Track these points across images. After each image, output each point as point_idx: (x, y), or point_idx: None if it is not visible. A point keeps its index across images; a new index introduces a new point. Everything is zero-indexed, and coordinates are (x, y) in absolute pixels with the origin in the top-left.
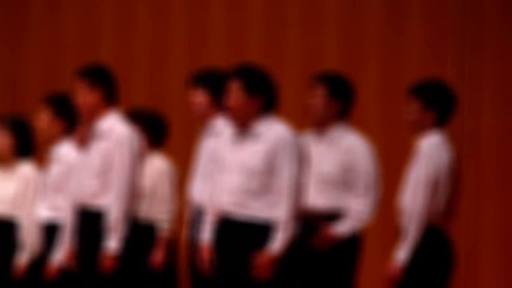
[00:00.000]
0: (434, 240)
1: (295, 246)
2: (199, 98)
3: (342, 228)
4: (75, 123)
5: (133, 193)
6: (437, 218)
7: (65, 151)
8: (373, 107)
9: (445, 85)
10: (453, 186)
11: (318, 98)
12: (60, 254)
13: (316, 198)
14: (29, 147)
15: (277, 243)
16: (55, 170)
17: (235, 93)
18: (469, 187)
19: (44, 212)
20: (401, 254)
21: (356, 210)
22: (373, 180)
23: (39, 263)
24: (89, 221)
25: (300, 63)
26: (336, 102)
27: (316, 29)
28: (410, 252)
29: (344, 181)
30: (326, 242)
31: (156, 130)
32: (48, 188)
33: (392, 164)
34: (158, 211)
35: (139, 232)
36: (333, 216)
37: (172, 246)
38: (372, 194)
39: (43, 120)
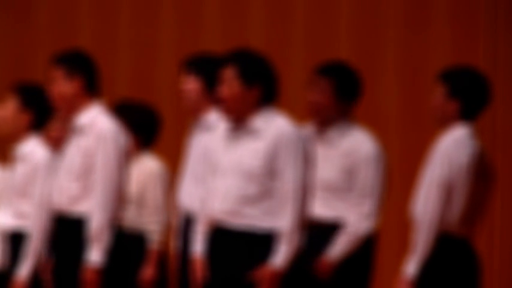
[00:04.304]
0: (450, 251)
1: (300, 259)
2: (190, 85)
3: (334, 251)
4: (44, 118)
5: (119, 198)
6: (453, 225)
7: (30, 149)
8: (391, 102)
9: (477, 73)
10: (480, 188)
11: (322, 94)
12: (27, 268)
13: (318, 207)
14: None
15: (281, 256)
16: (19, 171)
17: (229, 81)
18: (502, 188)
19: (7, 220)
20: (410, 267)
21: (350, 225)
22: (372, 185)
23: (2, 278)
24: (68, 230)
25: (307, 50)
26: (343, 99)
27: (326, 10)
28: (419, 265)
29: (347, 189)
30: (325, 270)
31: (145, 126)
32: (11, 191)
33: (413, 166)
34: (149, 221)
35: (126, 243)
36: (337, 227)
37: (162, 259)
38: (370, 202)
39: (8, 109)
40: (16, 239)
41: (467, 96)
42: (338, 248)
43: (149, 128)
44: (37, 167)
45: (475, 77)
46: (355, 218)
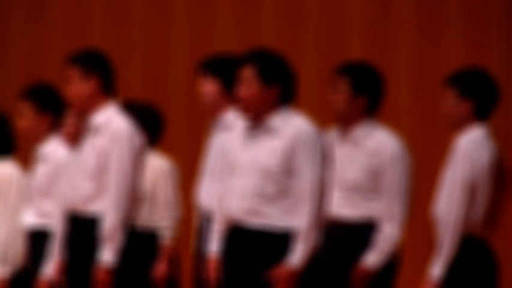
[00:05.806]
0: (474, 252)
1: (318, 259)
2: (209, 87)
3: (372, 259)
4: (61, 117)
5: (133, 198)
6: (476, 226)
7: (52, 149)
8: (404, 102)
9: (486, 73)
10: (497, 189)
11: (341, 93)
12: (51, 267)
13: (342, 207)
14: (9, 144)
15: (297, 255)
16: (41, 170)
17: (247, 81)
18: None
19: (30, 219)
20: (436, 269)
21: (384, 232)
22: (400, 186)
23: (23, 276)
24: (81, 229)
25: (320, 51)
26: (362, 97)
27: (339, 11)
28: (445, 266)
29: (373, 189)
30: (363, 278)
31: (152, 125)
32: (34, 191)
33: (427, 167)
34: (160, 217)
35: (139, 242)
36: (364, 226)
37: (175, 257)
38: (400, 205)
39: (27, 118)
40: (39, 238)
41: (479, 95)
42: (375, 256)
43: (153, 126)
44: (59, 167)
45: (483, 75)
46: (388, 224)
